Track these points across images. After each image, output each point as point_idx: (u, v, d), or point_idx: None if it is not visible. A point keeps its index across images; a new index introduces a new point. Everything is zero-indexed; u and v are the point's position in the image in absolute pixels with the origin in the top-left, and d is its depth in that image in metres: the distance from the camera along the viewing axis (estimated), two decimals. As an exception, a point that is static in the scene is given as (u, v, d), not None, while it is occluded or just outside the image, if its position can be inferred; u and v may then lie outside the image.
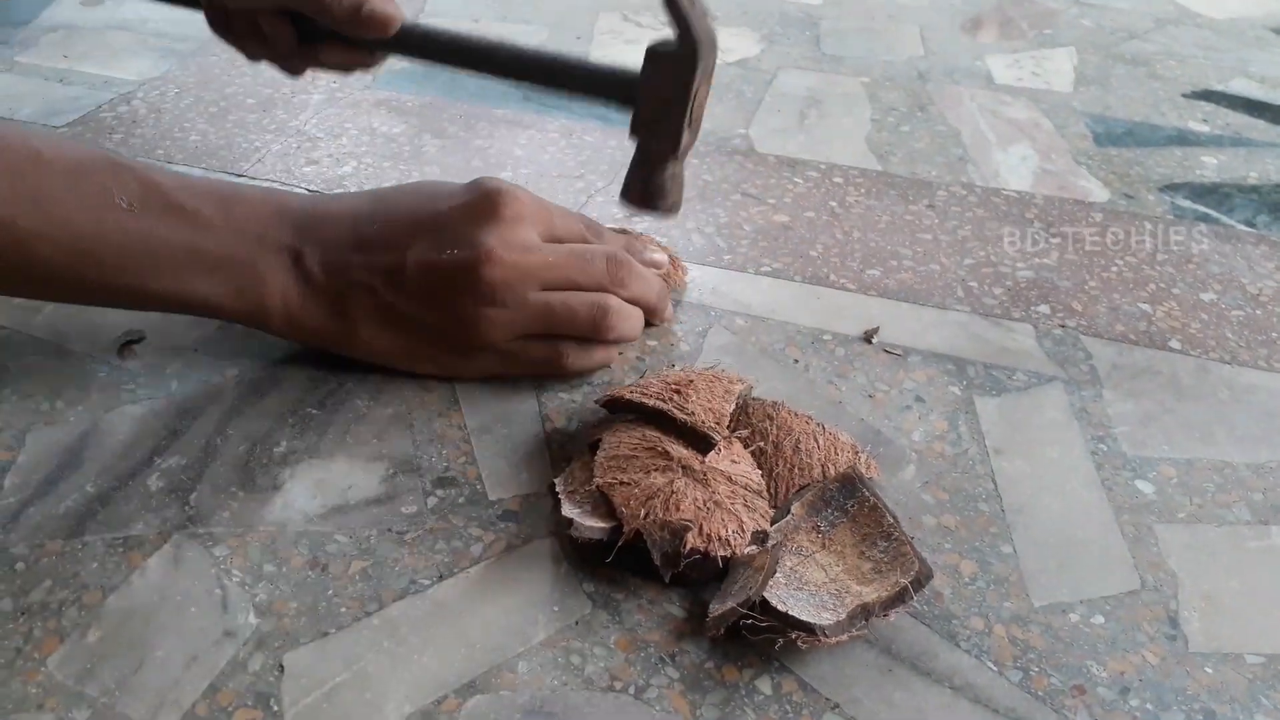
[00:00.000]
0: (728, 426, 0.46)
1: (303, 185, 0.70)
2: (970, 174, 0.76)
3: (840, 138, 0.80)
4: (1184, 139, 0.83)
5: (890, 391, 0.54)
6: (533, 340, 0.51)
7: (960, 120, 0.84)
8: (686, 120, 0.54)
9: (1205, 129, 0.85)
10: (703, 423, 0.44)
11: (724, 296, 0.61)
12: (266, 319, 0.50)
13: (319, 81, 0.84)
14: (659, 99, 0.53)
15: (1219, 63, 0.98)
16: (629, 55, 0.95)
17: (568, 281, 0.51)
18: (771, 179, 0.74)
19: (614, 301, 0.52)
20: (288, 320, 0.50)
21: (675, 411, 0.45)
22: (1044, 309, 0.61)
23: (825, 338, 0.58)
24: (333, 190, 0.70)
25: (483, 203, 0.50)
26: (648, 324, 0.56)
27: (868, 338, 0.58)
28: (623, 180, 0.57)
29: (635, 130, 0.55)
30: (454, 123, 0.79)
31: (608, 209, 0.69)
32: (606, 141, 0.77)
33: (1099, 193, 0.74)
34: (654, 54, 0.53)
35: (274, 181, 0.70)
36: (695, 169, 0.74)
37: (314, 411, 0.50)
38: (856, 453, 0.47)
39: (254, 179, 0.71)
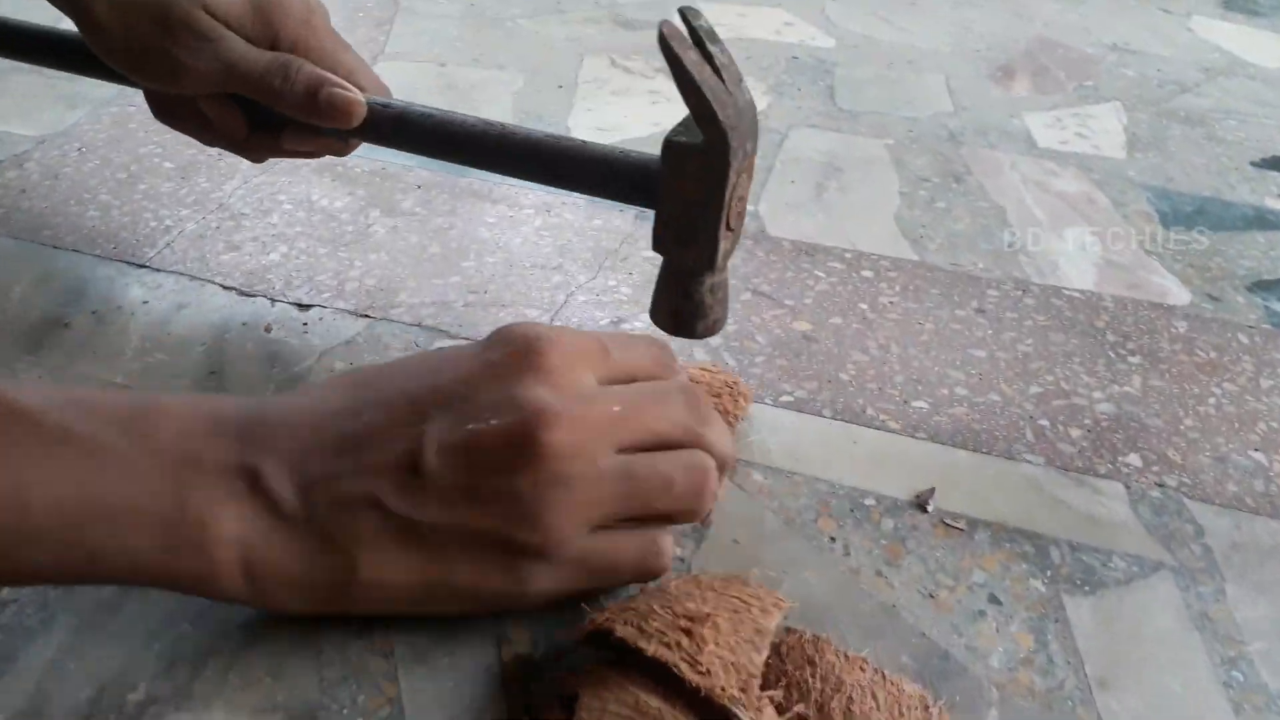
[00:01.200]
0: (758, 683, 0.33)
1: (218, 279, 0.57)
2: (1024, 266, 0.64)
3: (865, 216, 0.68)
4: (1264, 221, 0.71)
5: (956, 588, 0.42)
6: (617, 531, 0.37)
7: (1003, 194, 0.72)
8: (723, 225, 0.41)
9: (1284, 207, 0.73)
10: (723, 690, 0.32)
11: (737, 439, 0.48)
12: (217, 581, 0.33)
13: (252, 140, 0.71)
14: (685, 203, 0.41)
15: (1283, 123, 0.87)
16: (617, 110, 0.83)
17: (648, 434, 0.36)
18: (788, 271, 0.62)
19: (710, 459, 0.38)
20: (251, 578, 0.33)
21: (685, 668, 0.32)
22: (1134, 460, 0.49)
23: (868, 502, 0.46)
24: (254, 288, 0.57)
25: (516, 354, 0.35)
26: None
27: (921, 504, 0.46)
28: (650, 299, 0.45)
29: (657, 243, 0.43)
30: (408, 195, 0.67)
31: (589, 312, 0.56)
32: (591, 220, 0.65)
33: (1178, 293, 0.62)
34: (673, 148, 0.41)
35: (182, 274, 0.57)
36: (697, 258, 0.61)
37: (188, 630, 0.37)
38: (927, 708, 0.35)
39: (157, 270, 0.58)
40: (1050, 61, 0.96)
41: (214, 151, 0.69)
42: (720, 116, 0.39)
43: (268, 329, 0.53)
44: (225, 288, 0.56)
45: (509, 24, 0.95)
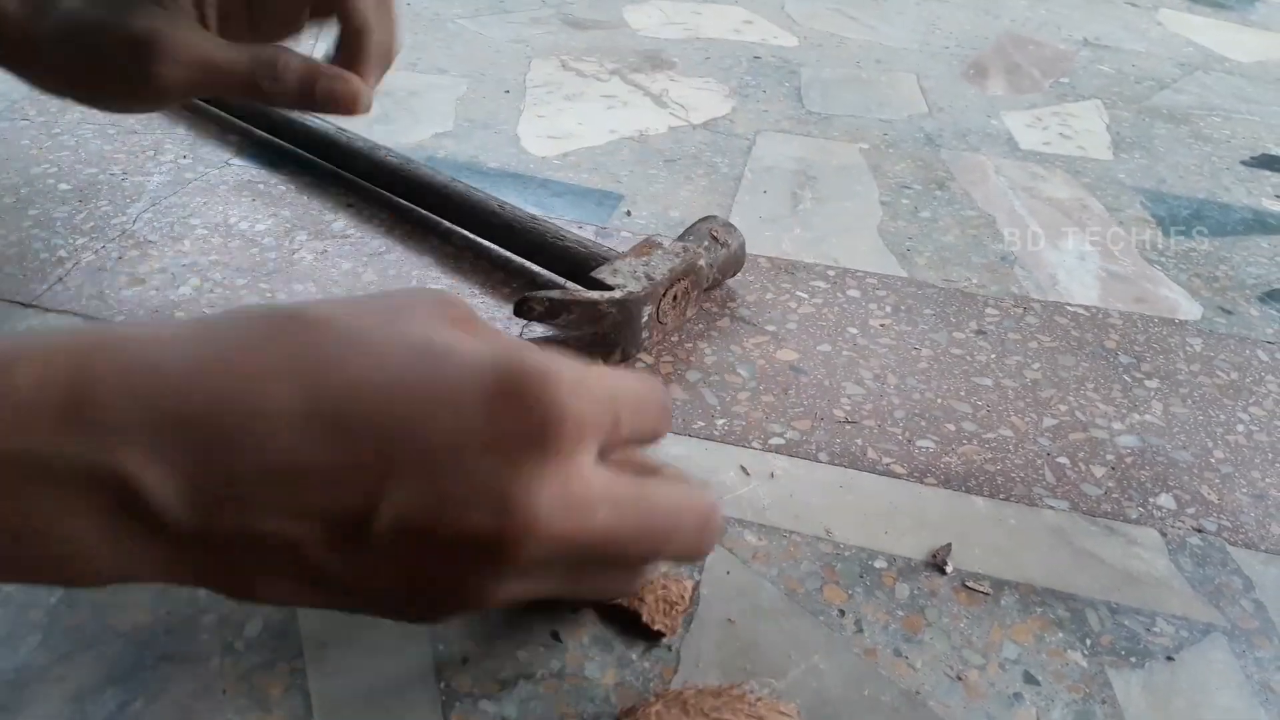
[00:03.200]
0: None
1: (117, 317, 0.50)
2: (1021, 281, 0.59)
3: (846, 228, 0.63)
4: (1264, 224, 0.67)
5: (987, 667, 0.36)
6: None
7: (990, 202, 0.67)
8: (648, 335, 0.49)
9: (1283, 209, 0.69)
10: None
11: (724, 493, 0.42)
12: (91, 583, 0.26)
13: (163, 157, 0.64)
14: (613, 324, 0.48)
15: (1267, 119, 0.83)
16: (570, 117, 0.77)
17: (634, 558, 0.31)
18: (768, 293, 0.56)
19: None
20: (129, 582, 0.26)
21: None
22: (1167, 501, 0.44)
23: (878, 564, 0.40)
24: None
25: (529, 426, 0.27)
26: None
27: (939, 563, 0.40)
28: None
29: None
30: (340, 214, 0.59)
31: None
32: (546, 240, 0.58)
33: (1188, 306, 0.57)
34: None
35: (76, 314, 0.50)
36: (666, 281, 0.55)
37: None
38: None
39: (47, 309, 0.50)
40: (1023, 59, 0.92)
41: (117, 170, 0.62)
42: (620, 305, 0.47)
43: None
44: (127, 323, 0.49)
45: (450, 24, 0.88)
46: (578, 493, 0.27)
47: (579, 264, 0.51)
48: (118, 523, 0.24)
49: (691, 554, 0.32)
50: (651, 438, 0.32)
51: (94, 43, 0.39)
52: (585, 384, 0.28)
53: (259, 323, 0.27)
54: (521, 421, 0.26)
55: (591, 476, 0.28)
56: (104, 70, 0.39)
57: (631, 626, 0.36)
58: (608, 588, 0.33)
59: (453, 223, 0.58)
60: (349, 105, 0.41)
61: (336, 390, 0.26)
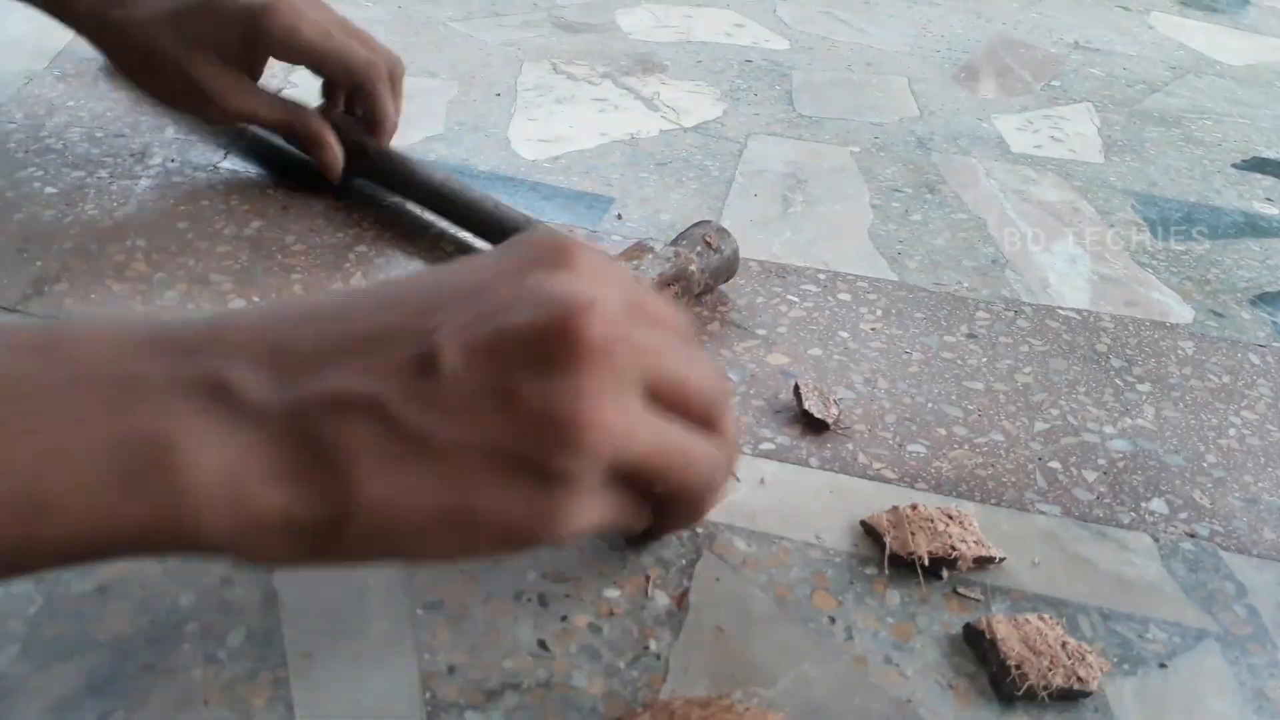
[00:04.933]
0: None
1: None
2: (1012, 284, 0.58)
3: (837, 232, 0.62)
4: (1255, 226, 0.67)
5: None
6: (626, 489, 0.31)
7: (981, 205, 0.67)
8: None
9: (1274, 211, 0.69)
10: None
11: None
12: (196, 518, 0.25)
13: (150, 160, 0.63)
14: None
15: (1258, 122, 0.83)
16: (561, 120, 0.76)
17: (676, 384, 0.31)
18: (759, 297, 0.55)
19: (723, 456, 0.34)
20: (238, 513, 0.25)
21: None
22: (1159, 506, 0.44)
23: (868, 572, 0.39)
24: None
25: (544, 251, 0.30)
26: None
27: (932, 567, 0.39)
28: None
29: None
30: (332, 218, 0.59)
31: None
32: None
33: (1179, 309, 0.57)
34: None
35: (61, 319, 0.49)
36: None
37: None
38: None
39: (32, 316, 0.49)
40: (1014, 62, 0.92)
41: (104, 174, 0.61)
42: None
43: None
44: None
45: (441, 28, 0.88)
46: (610, 301, 0.28)
47: None
48: (220, 418, 0.25)
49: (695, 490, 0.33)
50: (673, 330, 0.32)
51: (158, 65, 0.55)
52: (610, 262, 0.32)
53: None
54: (540, 251, 0.30)
55: (621, 305, 0.29)
56: (162, 92, 0.59)
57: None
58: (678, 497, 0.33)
59: (443, 217, 0.58)
60: (327, 174, 0.59)
61: (365, 289, 0.31)
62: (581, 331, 0.27)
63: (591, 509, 0.29)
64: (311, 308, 0.29)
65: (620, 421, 0.28)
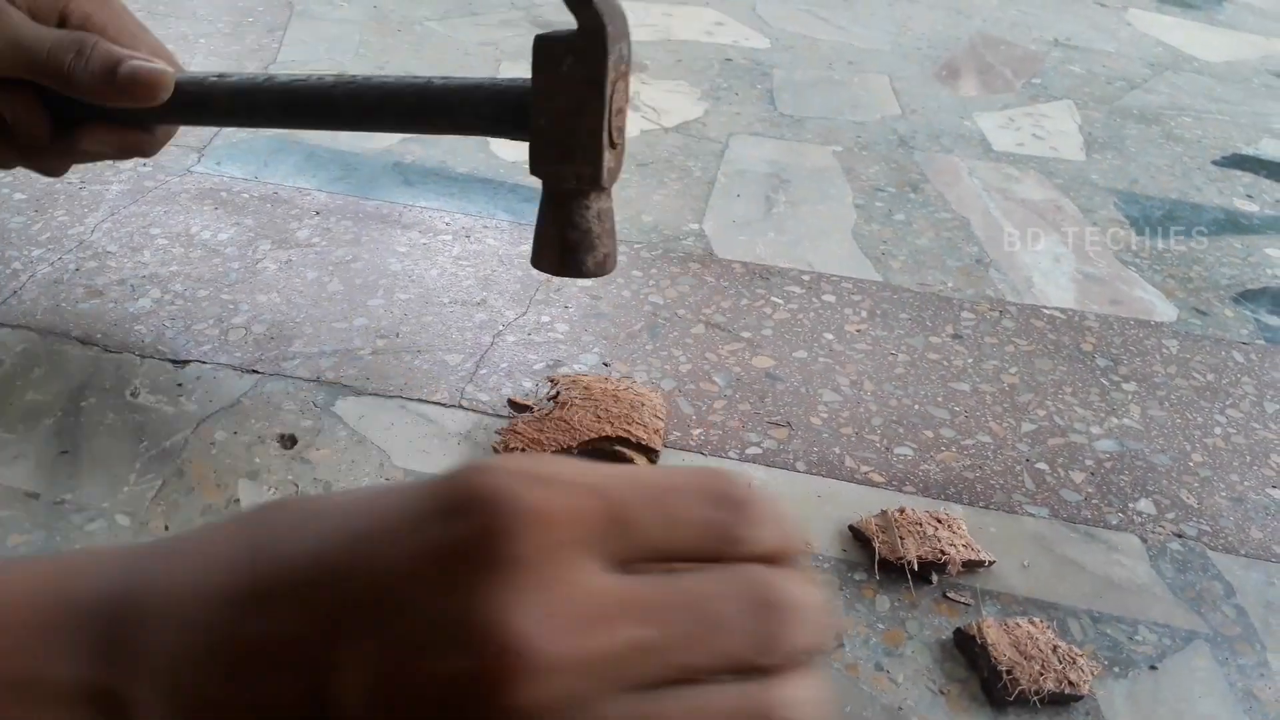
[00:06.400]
0: None
1: (75, 333, 0.48)
2: (996, 283, 0.58)
3: (821, 232, 0.62)
4: (1236, 224, 0.67)
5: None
6: None
7: (964, 203, 0.67)
8: (604, 133, 0.37)
9: (1254, 208, 0.69)
10: None
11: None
12: None
13: (121, 165, 0.62)
14: (562, 112, 0.37)
15: (1236, 118, 0.83)
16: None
17: (678, 668, 0.21)
18: (743, 298, 0.55)
19: (781, 697, 0.22)
20: None
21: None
22: (1146, 506, 0.44)
23: (857, 577, 0.39)
24: (119, 343, 0.48)
25: (473, 533, 0.21)
26: None
27: (922, 572, 0.39)
28: (532, 245, 0.40)
29: (535, 163, 0.39)
30: (305, 222, 0.58)
31: (520, 355, 0.49)
32: (517, 246, 0.57)
33: (1163, 308, 0.57)
34: (545, 45, 0.37)
35: (31, 329, 0.48)
36: (639, 284, 0.54)
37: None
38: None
39: (1, 325, 0.48)
40: (995, 59, 0.92)
41: (74, 179, 0.60)
42: (595, 5, 0.36)
43: (134, 394, 0.45)
44: (84, 343, 0.47)
45: (417, 27, 0.87)
46: (566, 599, 0.21)
47: (509, 105, 0.40)
48: None
49: (760, 652, 0.22)
50: (698, 538, 0.23)
51: None
52: (558, 479, 0.22)
53: (229, 521, 0.24)
54: (468, 533, 0.21)
55: (591, 581, 0.21)
56: None
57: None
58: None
59: (358, 128, 0.43)
60: (150, 87, 0.39)
61: (277, 536, 0.23)
62: (509, 699, 0.20)
63: None
64: (220, 582, 0.23)
65: None
